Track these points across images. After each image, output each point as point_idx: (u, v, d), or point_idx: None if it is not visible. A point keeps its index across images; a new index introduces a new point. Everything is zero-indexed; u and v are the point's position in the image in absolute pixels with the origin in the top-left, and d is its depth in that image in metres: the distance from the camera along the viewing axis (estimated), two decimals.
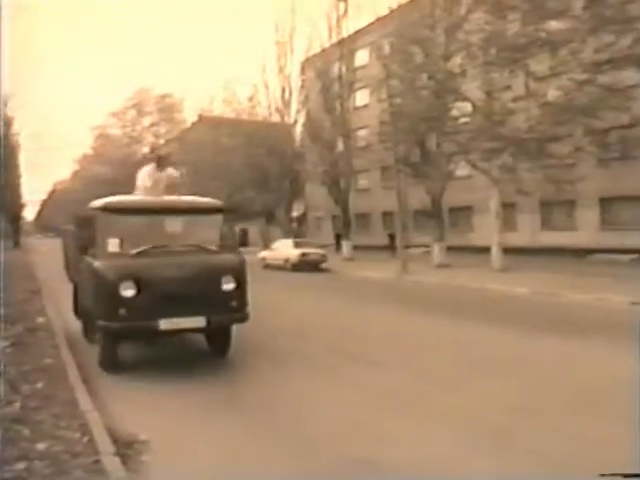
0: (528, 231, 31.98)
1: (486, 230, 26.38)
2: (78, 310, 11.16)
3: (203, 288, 8.13)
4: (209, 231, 9.11)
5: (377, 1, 34.56)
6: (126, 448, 5.25)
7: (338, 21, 37.31)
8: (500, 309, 14.69)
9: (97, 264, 8.11)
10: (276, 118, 41.79)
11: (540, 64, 22.26)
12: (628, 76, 22.33)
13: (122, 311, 7.68)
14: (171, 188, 9.79)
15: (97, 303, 8.21)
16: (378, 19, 33.53)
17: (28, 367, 7.72)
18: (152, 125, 62.83)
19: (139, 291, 7.72)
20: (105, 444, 5.14)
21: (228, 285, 8.31)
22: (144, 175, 9.94)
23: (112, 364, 8.32)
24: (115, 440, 5.30)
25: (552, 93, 22.05)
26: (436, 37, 25.87)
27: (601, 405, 6.53)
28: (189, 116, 56.60)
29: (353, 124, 38.55)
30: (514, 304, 15.60)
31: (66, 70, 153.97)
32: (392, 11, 30.46)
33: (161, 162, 10.09)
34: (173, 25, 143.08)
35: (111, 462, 4.79)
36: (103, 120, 66.59)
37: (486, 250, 24.89)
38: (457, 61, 25.16)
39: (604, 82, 20.89)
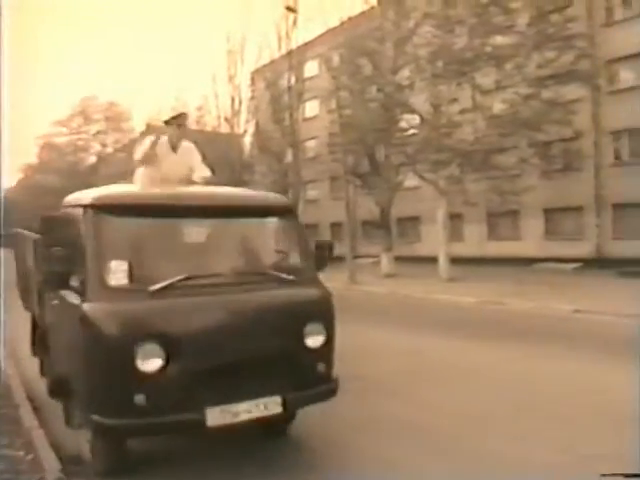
0: (475, 241, 32.50)
1: (434, 240, 26.68)
2: (38, 353, 7.80)
3: (278, 347, 5.00)
4: (277, 247, 5.96)
5: (327, 13, 34.82)
6: (73, 465, 5.11)
7: (288, 32, 37.47)
8: (448, 318, 14.84)
9: (89, 310, 4.54)
10: (225, 128, 41.60)
11: (486, 77, 22.78)
12: (570, 91, 22.97)
13: (140, 398, 4.37)
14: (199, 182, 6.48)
15: (90, 383, 4.64)
16: (328, 31, 33.81)
17: None
18: (99, 133, 61.94)
19: (168, 360, 4.47)
20: (50, 462, 5.00)
21: (315, 338, 5.20)
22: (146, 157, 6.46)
23: (118, 469, 4.92)
24: (61, 457, 5.16)
25: (498, 106, 22.59)
26: (385, 50, 26.17)
27: (547, 410, 6.65)
28: (137, 125, 56.02)
29: (302, 135, 38.62)
30: (461, 313, 15.78)
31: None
32: (342, 23, 30.75)
33: (179, 132, 6.61)
34: (123, 33, 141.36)
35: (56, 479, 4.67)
36: (48, 128, 65.32)
37: (434, 260, 25.18)
38: (405, 74, 25.51)
39: (547, 96, 21.52)
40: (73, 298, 4.82)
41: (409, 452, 5.53)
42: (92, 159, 59.38)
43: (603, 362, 8.87)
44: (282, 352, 4.99)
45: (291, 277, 5.30)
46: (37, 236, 6.17)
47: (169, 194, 5.58)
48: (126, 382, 4.39)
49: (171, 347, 4.46)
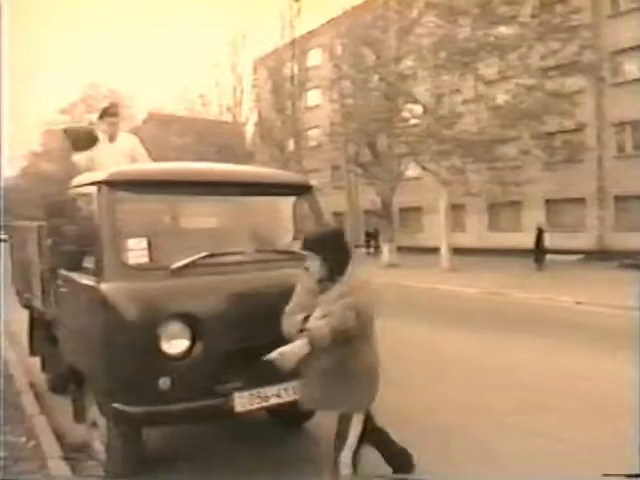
0: (476, 232, 32.49)
1: (435, 231, 26.69)
2: (39, 350, 7.57)
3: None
4: (298, 225, 5.78)
5: (330, 2, 34.62)
6: (75, 452, 5.12)
7: (291, 21, 37.32)
8: (451, 309, 14.85)
9: (107, 290, 4.29)
10: (227, 117, 41.52)
11: (489, 68, 22.72)
12: (573, 82, 22.90)
13: (164, 382, 4.15)
14: None
15: (110, 369, 4.35)
16: (331, 20, 33.68)
17: None
18: None
19: (194, 341, 4.27)
20: (52, 448, 5.02)
21: None
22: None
23: (135, 469, 4.62)
24: (63, 444, 5.18)
25: (500, 97, 22.54)
26: (387, 39, 26.07)
27: (548, 403, 6.68)
28: (139, 113, 55.84)
29: (304, 124, 38.55)
30: (463, 303, 15.80)
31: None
32: (345, 12, 30.64)
33: (112, 123, 6.51)
34: (125, 21, 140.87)
35: (58, 466, 4.68)
36: (51, 116, 65.04)
37: (435, 250, 25.19)
38: (408, 63, 25.42)
39: (550, 87, 21.45)
40: (88, 280, 4.53)
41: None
42: None
43: (604, 353, 8.91)
44: None
45: None
46: (41, 223, 6.11)
47: (187, 170, 5.40)
48: (150, 366, 4.14)
49: (196, 327, 4.24)
